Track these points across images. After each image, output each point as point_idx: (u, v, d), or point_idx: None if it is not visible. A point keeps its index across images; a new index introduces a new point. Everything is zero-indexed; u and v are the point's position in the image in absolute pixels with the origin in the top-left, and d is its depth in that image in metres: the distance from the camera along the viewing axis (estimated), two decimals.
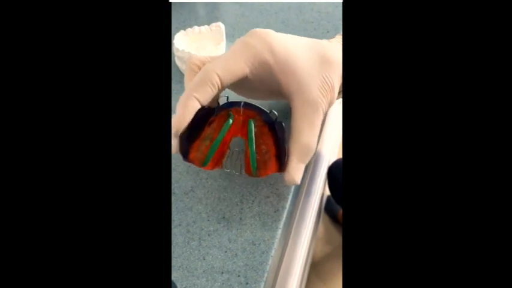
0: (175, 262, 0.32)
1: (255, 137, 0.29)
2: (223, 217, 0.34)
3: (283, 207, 0.34)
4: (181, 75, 0.46)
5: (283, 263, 0.38)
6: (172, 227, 0.34)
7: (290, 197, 0.35)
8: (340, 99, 0.73)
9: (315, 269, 1.06)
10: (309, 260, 0.65)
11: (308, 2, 0.55)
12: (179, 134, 0.28)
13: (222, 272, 0.31)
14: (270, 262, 0.32)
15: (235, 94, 0.33)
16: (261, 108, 0.29)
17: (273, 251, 0.33)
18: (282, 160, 0.30)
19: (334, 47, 0.29)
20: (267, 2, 0.56)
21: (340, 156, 1.25)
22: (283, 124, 0.29)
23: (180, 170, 0.37)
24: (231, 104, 0.29)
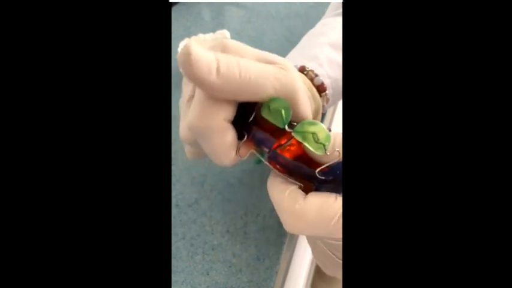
0: (178, 277, 0.31)
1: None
2: (228, 231, 0.34)
3: None
4: None
5: (288, 278, 0.38)
6: (176, 240, 0.33)
7: None
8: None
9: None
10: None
11: (315, 10, 0.54)
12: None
13: None
14: (274, 278, 0.31)
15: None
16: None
17: (278, 267, 0.32)
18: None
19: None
20: (273, 9, 0.56)
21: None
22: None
23: (184, 182, 0.37)
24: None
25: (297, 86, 0.21)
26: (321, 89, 0.29)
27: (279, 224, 0.34)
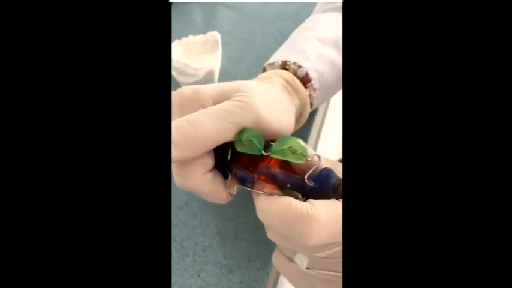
0: None
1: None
2: (218, 232, 0.34)
3: None
4: (177, 85, 0.45)
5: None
6: None
7: None
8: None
9: None
10: None
11: (305, 11, 0.55)
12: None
13: None
14: (265, 279, 0.31)
15: None
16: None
17: (270, 267, 0.32)
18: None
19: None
20: (264, 10, 0.56)
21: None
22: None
23: (175, 183, 0.37)
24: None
25: (259, 112, 0.21)
26: (305, 80, 0.29)
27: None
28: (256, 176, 0.21)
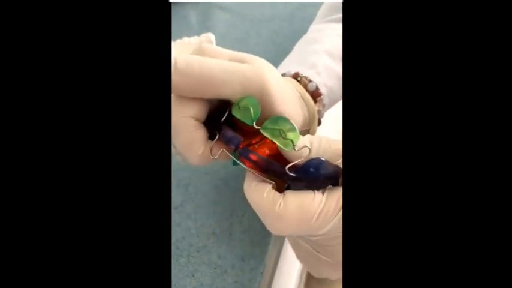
0: None
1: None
2: (213, 232, 0.34)
3: None
4: None
5: (275, 279, 0.38)
6: None
7: None
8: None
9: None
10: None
11: (299, 12, 0.55)
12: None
13: None
14: (259, 279, 0.31)
15: None
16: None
17: (263, 267, 0.32)
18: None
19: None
20: (258, 11, 0.56)
21: None
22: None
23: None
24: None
25: (268, 82, 0.21)
26: (315, 94, 0.29)
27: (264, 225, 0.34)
28: (243, 140, 0.21)
